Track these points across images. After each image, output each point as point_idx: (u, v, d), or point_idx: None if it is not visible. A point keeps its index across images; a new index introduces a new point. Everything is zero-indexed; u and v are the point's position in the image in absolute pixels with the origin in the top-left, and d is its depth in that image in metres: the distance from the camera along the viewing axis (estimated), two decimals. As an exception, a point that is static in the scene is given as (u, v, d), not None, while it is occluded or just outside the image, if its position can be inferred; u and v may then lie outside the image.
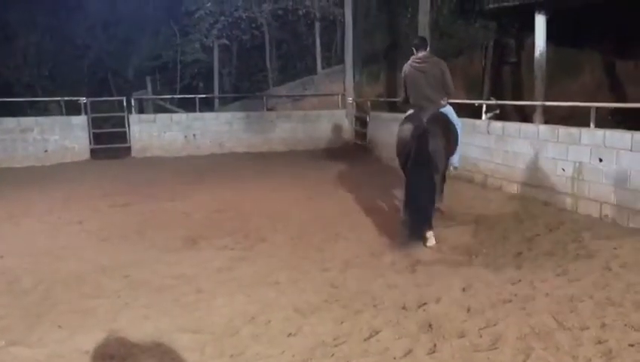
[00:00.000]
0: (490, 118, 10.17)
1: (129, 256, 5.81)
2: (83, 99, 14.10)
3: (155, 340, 3.80)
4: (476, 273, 5.11)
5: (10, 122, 13.52)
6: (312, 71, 18.63)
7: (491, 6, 14.43)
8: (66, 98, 14.56)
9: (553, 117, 10.86)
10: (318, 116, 15.55)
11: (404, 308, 4.35)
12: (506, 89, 15.55)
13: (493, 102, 10.19)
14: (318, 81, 18.36)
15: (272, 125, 15.15)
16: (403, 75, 6.69)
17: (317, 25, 17.83)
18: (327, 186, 9.66)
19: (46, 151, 13.58)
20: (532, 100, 12.05)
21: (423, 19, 11.38)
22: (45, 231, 7.04)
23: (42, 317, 4.24)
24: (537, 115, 11.53)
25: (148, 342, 3.77)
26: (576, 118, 7.44)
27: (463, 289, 4.71)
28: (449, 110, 6.65)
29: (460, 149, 6.87)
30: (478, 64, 16.38)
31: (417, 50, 6.55)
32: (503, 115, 11.69)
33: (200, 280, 5.05)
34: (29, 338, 3.87)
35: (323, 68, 18.18)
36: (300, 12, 17.29)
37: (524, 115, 13.11)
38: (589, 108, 7.17)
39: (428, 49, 6.62)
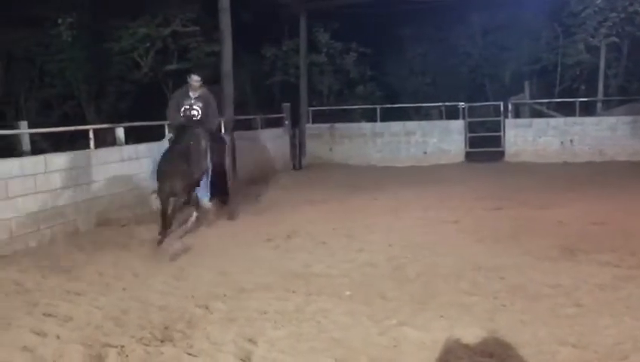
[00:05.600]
0: None
1: (503, 259, 5.84)
2: (462, 104, 14.79)
3: (534, 348, 3.73)
4: None
5: (396, 126, 15.12)
6: None
7: None
8: (446, 103, 15.52)
9: None
10: None
11: None
12: None
13: None
14: None
15: (665, 131, 13.25)
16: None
17: None
18: None
19: (425, 153, 14.71)
20: None
21: None
22: (423, 227, 7.62)
23: (425, 305, 4.61)
24: None
25: (526, 347, 3.73)
26: None
27: None
28: None
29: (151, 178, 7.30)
30: None
31: None
32: None
33: (580, 294, 4.75)
34: (414, 322, 4.25)
35: None
36: None
37: None
38: None
39: None
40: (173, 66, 16.12)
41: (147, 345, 3.98)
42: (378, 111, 15.40)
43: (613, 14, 15.51)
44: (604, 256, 5.85)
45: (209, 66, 14.75)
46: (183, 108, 7.29)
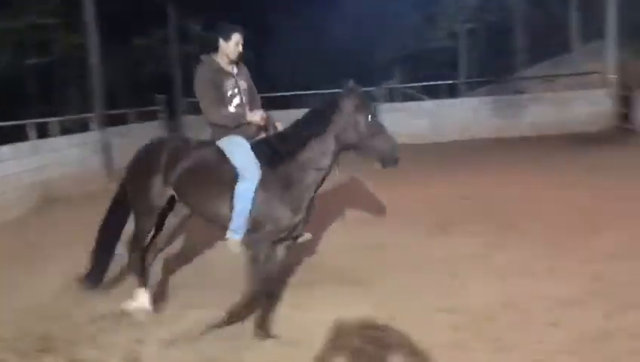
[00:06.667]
0: None
1: (383, 237, 6.12)
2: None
3: (414, 316, 4.00)
4: None
5: (278, 115, 15.02)
6: (566, 49, 17.27)
7: None
8: (321, 91, 15.82)
9: None
10: (573, 98, 14.32)
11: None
12: None
13: None
14: (573, 60, 16.95)
15: (520, 109, 14.43)
16: None
17: (573, -3, 16.41)
18: (582, 174, 8.87)
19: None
20: None
21: None
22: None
23: (312, 286, 4.75)
24: None
25: (407, 316, 3.99)
26: None
27: None
28: (225, 145, 4.09)
29: (244, 206, 3.86)
30: None
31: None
32: None
33: (454, 264, 5.14)
34: (304, 303, 4.38)
35: (579, 45, 16.72)
36: (554, -14, 16.11)
37: None
38: None
39: (220, 42, 4.17)
40: (33, 61, 15.05)
41: (24, 357, 3.77)
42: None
43: (470, 1, 16.67)
44: (473, 227, 6.33)
45: (76, 60, 13.97)
46: (229, 94, 4.18)
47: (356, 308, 4.17)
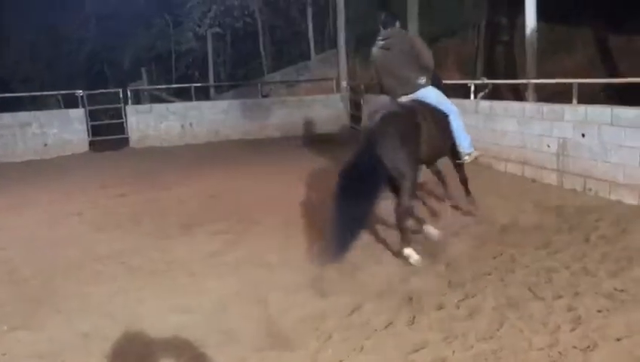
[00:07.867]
0: (481, 98, 10.24)
1: (123, 244, 5.98)
2: (80, 92, 14.23)
3: (150, 319, 4.01)
4: (460, 249, 5.28)
5: (8, 118, 13.66)
6: (306, 56, 18.69)
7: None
8: (62, 92, 14.69)
9: (547, 94, 10.93)
10: (312, 101, 15.64)
11: (387, 283, 4.53)
12: (499, 68, 15.63)
13: (481, 81, 10.25)
14: (312, 67, 18.44)
15: (267, 112, 15.25)
16: (372, 59, 5.71)
17: (309, 9, 17.86)
18: (321, 171, 9.75)
19: (45, 145, 13.71)
20: (524, 78, 12.12)
21: None
22: (45, 223, 7.21)
23: (42, 303, 4.45)
24: (529, 93, 11.60)
25: (147, 319, 4.00)
26: (568, 95, 7.57)
27: (447, 265, 4.89)
28: (432, 93, 5.57)
29: (463, 131, 5.70)
30: (471, 44, 16.44)
31: (384, 28, 5.58)
32: (497, 94, 11.79)
33: (192, 264, 5.24)
34: (29, 323, 4.07)
35: (317, 53, 18.24)
36: (292, -3, 17.39)
37: (518, 94, 13.20)
38: (583, 84, 7.33)
39: (397, 24, 5.63)
40: None
41: None
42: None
43: (214, 6, 17.01)
44: (217, 226, 6.53)
45: None
46: None
47: (86, 321, 4.02)
